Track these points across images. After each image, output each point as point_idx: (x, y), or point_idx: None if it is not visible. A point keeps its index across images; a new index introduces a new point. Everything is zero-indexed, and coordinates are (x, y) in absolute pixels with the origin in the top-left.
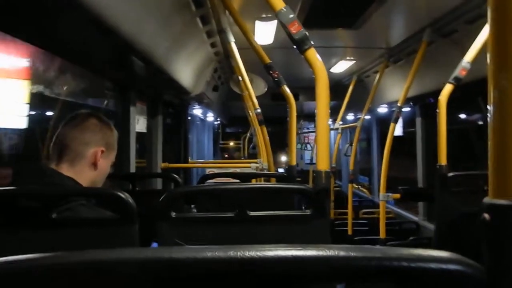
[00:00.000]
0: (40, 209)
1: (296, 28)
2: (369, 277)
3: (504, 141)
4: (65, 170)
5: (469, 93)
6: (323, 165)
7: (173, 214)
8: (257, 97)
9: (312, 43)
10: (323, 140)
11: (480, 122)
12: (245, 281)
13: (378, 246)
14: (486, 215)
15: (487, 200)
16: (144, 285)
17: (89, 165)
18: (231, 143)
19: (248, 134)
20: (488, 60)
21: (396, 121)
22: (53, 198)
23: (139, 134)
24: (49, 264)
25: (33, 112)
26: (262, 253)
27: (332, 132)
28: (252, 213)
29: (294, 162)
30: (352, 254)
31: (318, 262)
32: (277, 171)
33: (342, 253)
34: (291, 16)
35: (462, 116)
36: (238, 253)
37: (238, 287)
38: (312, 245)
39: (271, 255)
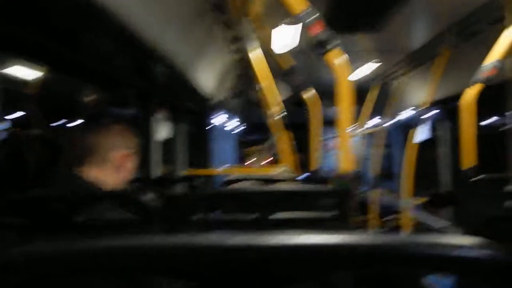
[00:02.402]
0: (63, 212)
1: (319, 28)
2: (391, 263)
3: None
4: (89, 174)
5: (493, 96)
6: (347, 168)
7: (195, 218)
8: (281, 102)
9: (337, 42)
10: (346, 144)
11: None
12: (271, 268)
13: (406, 235)
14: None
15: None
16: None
17: (112, 169)
18: (253, 149)
19: (269, 141)
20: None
21: (420, 125)
22: (76, 201)
23: (165, 141)
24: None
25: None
26: (285, 241)
27: (355, 137)
28: (274, 217)
29: (317, 166)
30: (374, 241)
31: (342, 248)
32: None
33: (364, 240)
34: (313, 17)
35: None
36: (255, 240)
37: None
38: (334, 233)
39: (294, 242)
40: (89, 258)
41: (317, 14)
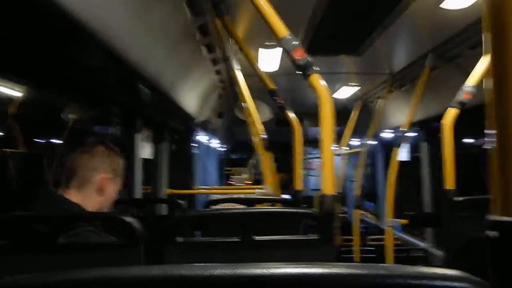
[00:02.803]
0: (47, 233)
1: (299, 55)
2: None
3: (505, 163)
4: (72, 195)
5: (474, 117)
6: (329, 189)
7: (179, 239)
8: (262, 123)
9: (316, 68)
10: (328, 164)
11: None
12: None
13: (383, 264)
14: (494, 233)
15: (491, 217)
16: None
17: (96, 190)
18: (236, 169)
19: (252, 160)
20: (486, 88)
21: (399, 146)
22: (60, 223)
23: (144, 161)
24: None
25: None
26: (269, 270)
27: (337, 157)
28: (258, 238)
29: (300, 187)
30: (358, 271)
31: (324, 279)
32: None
33: (348, 271)
34: (294, 43)
35: (470, 140)
36: (245, 270)
37: None
38: (317, 263)
39: (278, 272)
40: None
41: (296, 42)
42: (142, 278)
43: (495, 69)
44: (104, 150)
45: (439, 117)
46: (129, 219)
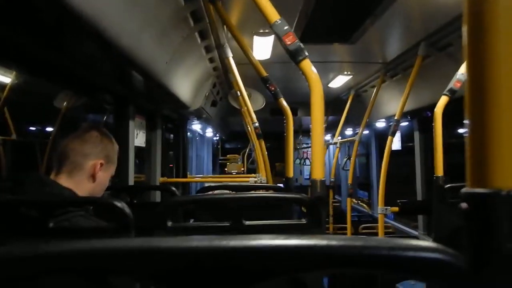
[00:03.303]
0: (37, 218)
1: (290, 40)
2: (351, 265)
3: (480, 137)
4: (64, 180)
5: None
6: (318, 174)
7: (170, 224)
8: (256, 112)
9: (307, 54)
10: (318, 150)
11: None
12: (232, 270)
13: (360, 236)
14: (464, 204)
15: (465, 190)
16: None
17: (87, 176)
18: (230, 157)
19: (247, 149)
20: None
21: (393, 135)
22: (50, 207)
23: (137, 149)
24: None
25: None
26: (246, 242)
27: (331, 146)
28: (248, 223)
29: (291, 174)
30: (333, 243)
31: (301, 251)
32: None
33: (323, 242)
34: (286, 27)
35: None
36: (223, 242)
37: (226, 277)
38: (295, 235)
39: (255, 244)
40: (56, 259)
41: (287, 26)
42: (119, 249)
43: (470, 62)
44: (97, 136)
45: (432, 106)
46: (119, 204)
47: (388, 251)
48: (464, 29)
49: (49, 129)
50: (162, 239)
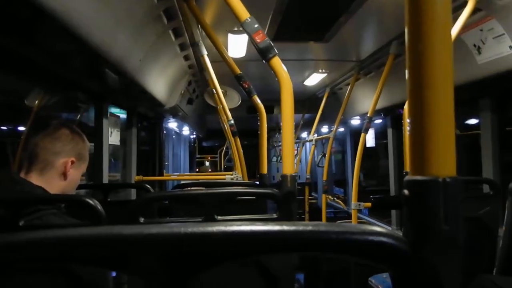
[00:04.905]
0: (8, 216)
1: (260, 38)
2: (304, 249)
3: (419, 131)
4: (35, 179)
5: None
6: (288, 169)
7: (142, 220)
8: (233, 110)
9: (277, 51)
10: (288, 146)
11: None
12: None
13: (314, 222)
14: (406, 191)
15: (407, 178)
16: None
17: (59, 174)
18: (208, 157)
19: (224, 148)
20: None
21: (366, 132)
22: (21, 206)
23: (111, 147)
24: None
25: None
26: (206, 228)
27: (308, 144)
28: (220, 217)
29: (265, 171)
30: (286, 228)
31: (256, 236)
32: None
33: (276, 228)
34: (256, 26)
35: None
36: (182, 229)
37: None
38: (249, 222)
39: (215, 230)
40: (22, 248)
41: (257, 25)
42: (83, 237)
43: (410, 66)
44: (68, 133)
45: (404, 103)
46: (92, 201)
47: (337, 235)
48: (406, 35)
49: (21, 128)
50: (127, 226)
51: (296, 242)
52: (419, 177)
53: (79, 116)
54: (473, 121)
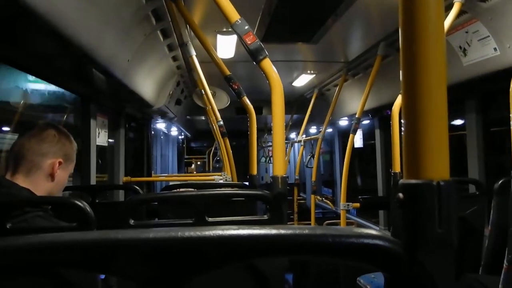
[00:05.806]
0: None
1: (251, 39)
2: (300, 252)
3: (413, 135)
4: (21, 181)
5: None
6: (279, 171)
7: (132, 222)
8: (221, 111)
9: (267, 53)
10: (279, 147)
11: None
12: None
13: (310, 226)
14: (400, 194)
15: (402, 181)
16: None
17: (45, 176)
18: (196, 158)
19: (212, 148)
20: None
21: (354, 133)
22: (7, 208)
23: (99, 148)
24: None
25: None
26: (201, 232)
27: (296, 144)
28: (211, 219)
29: (255, 172)
30: (283, 232)
31: (254, 240)
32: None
33: (273, 232)
34: (246, 27)
35: None
36: (179, 233)
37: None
38: (247, 226)
39: (209, 234)
40: (12, 253)
41: (247, 26)
42: (75, 242)
43: (405, 69)
44: (55, 134)
45: (391, 104)
46: (80, 203)
47: (332, 239)
48: (400, 36)
49: (5, 128)
50: (119, 231)
51: (293, 246)
52: (413, 181)
53: (65, 116)
54: (458, 122)
